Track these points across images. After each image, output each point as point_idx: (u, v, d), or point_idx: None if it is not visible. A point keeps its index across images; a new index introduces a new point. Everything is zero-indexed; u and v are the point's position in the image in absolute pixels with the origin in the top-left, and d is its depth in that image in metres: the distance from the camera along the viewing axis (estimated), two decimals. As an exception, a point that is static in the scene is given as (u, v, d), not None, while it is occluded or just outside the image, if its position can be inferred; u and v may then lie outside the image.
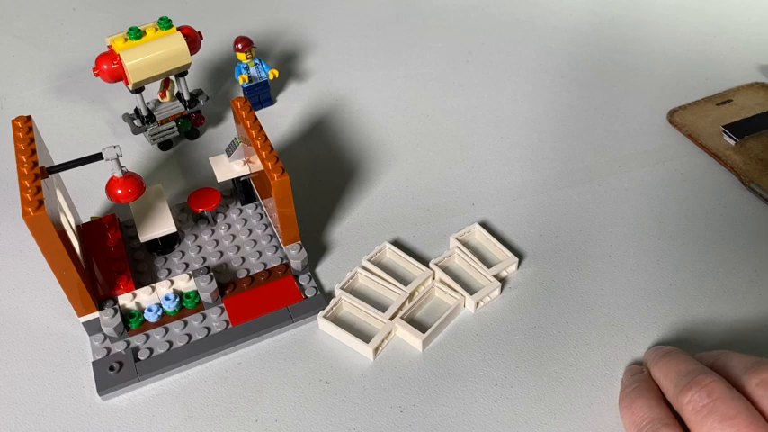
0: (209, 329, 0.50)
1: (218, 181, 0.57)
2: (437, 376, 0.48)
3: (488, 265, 0.54)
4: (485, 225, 0.58)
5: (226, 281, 0.53)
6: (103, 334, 0.49)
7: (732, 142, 0.65)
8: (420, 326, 0.50)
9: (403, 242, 0.57)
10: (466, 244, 0.56)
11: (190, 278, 0.51)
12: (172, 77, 0.63)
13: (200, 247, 0.56)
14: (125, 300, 0.50)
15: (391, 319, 0.50)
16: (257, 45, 0.68)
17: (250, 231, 0.57)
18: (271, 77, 0.69)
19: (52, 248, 0.43)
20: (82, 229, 0.55)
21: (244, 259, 0.55)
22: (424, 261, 0.55)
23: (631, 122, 0.69)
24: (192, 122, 0.67)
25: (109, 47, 0.59)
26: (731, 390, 0.37)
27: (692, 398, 0.38)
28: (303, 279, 0.53)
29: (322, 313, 0.51)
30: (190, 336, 0.49)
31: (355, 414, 0.46)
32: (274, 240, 0.56)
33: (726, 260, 0.55)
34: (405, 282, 0.53)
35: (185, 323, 0.50)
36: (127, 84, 0.59)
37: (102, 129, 0.69)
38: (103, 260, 0.53)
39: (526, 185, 0.62)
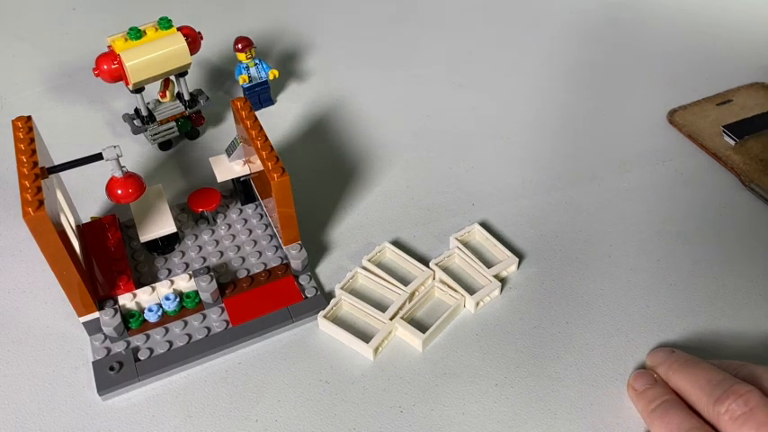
0: (209, 329, 0.50)
1: (218, 181, 0.57)
2: (437, 376, 0.48)
3: (488, 265, 0.54)
4: (485, 225, 0.58)
5: (226, 281, 0.53)
6: (103, 334, 0.49)
7: (732, 142, 0.65)
8: (420, 326, 0.50)
9: (403, 242, 0.57)
10: (466, 244, 0.56)
11: (190, 278, 0.51)
12: (172, 77, 0.63)
13: (201, 247, 0.56)
14: (125, 300, 0.50)
15: (391, 319, 0.50)
16: (257, 45, 0.68)
17: (250, 231, 0.57)
18: (271, 77, 0.69)
19: (52, 248, 0.43)
20: (82, 229, 0.55)
21: (244, 259, 0.55)
22: (424, 261, 0.55)
23: (631, 122, 0.69)
24: (192, 122, 0.67)
25: (109, 47, 0.59)
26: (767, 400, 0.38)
27: (730, 407, 0.38)
28: (303, 279, 0.53)
29: (322, 313, 0.51)
30: (190, 336, 0.49)
31: (355, 414, 0.46)
32: (274, 240, 0.56)
33: (726, 260, 0.55)
34: (405, 282, 0.53)
35: (185, 323, 0.50)
36: (127, 84, 0.59)
37: (102, 129, 0.69)
38: (103, 260, 0.53)
39: (526, 185, 0.62)
